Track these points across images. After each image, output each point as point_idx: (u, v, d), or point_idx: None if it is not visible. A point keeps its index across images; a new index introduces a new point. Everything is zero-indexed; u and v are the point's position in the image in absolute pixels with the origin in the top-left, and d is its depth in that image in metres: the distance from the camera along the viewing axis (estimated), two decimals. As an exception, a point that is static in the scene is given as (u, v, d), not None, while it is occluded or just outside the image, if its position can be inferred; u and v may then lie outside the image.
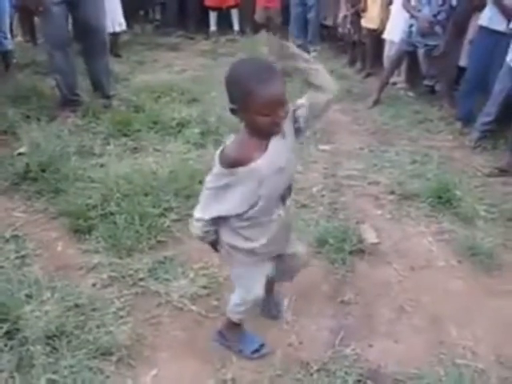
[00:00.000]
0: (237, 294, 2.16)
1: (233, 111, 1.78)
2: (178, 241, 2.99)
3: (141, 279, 2.66)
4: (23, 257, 2.78)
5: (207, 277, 2.69)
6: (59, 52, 4.40)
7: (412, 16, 5.04)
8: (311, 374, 2.17)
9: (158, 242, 2.95)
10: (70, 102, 4.62)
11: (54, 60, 4.46)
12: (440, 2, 4.88)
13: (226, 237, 1.99)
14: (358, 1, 6.31)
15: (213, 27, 8.12)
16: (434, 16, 4.92)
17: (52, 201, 3.29)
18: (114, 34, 6.35)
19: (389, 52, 5.79)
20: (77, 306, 2.42)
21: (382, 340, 2.39)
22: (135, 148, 4.07)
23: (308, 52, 7.15)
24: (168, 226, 3.07)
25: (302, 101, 1.86)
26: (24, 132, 3.96)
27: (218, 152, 1.84)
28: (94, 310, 2.42)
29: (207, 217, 1.92)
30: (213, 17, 8.06)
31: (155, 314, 2.47)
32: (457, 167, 4.06)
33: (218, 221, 1.95)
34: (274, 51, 1.97)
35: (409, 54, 5.46)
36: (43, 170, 3.48)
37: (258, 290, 2.10)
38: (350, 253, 2.91)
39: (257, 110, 1.69)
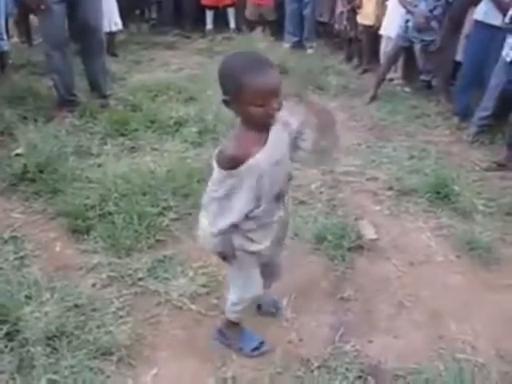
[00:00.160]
0: (233, 293, 2.16)
1: (226, 103, 1.77)
2: (176, 240, 2.99)
3: (140, 279, 2.66)
4: (22, 258, 2.78)
5: (206, 275, 2.69)
6: (57, 52, 4.39)
7: (408, 11, 5.04)
8: (312, 371, 2.18)
9: (157, 241, 2.95)
10: (67, 102, 4.61)
11: (51, 60, 4.44)
12: None
13: (236, 241, 1.97)
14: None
15: (209, 26, 8.10)
16: (431, 11, 4.92)
17: (50, 201, 3.29)
18: (111, 34, 6.33)
19: (385, 48, 5.78)
20: (76, 306, 2.42)
21: (381, 336, 2.40)
22: (133, 147, 4.06)
23: (304, 48, 7.18)
24: (167, 225, 3.07)
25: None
26: (21, 133, 3.95)
27: (215, 153, 1.83)
28: (93, 310, 2.42)
29: (223, 227, 1.87)
30: (209, 15, 8.04)
31: (155, 314, 2.47)
32: (455, 162, 4.06)
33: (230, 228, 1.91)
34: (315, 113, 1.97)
35: (405, 50, 5.45)
36: (41, 171, 3.48)
37: (256, 289, 2.10)
38: (349, 249, 2.92)
39: (249, 100, 1.69)
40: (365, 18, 6.10)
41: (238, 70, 1.70)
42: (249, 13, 7.69)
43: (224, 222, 1.87)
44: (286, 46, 7.31)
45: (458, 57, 5.12)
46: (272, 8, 7.65)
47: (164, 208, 3.18)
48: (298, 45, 7.33)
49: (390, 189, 3.62)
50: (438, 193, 3.48)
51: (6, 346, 2.17)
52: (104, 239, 2.90)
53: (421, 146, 4.31)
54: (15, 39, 7.13)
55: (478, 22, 4.48)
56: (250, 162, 1.77)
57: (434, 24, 4.97)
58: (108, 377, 2.12)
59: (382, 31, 5.86)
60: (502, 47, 4.05)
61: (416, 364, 2.22)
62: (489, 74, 4.28)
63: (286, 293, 2.59)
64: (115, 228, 2.94)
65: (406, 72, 5.97)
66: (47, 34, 4.40)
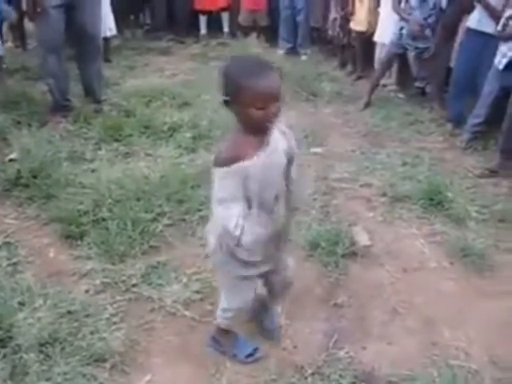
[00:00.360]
0: (223, 299, 2.16)
1: (226, 103, 1.78)
2: (170, 246, 2.99)
3: (134, 285, 2.65)
4: (15, 264, 2.77)
5: (200, 282, 2.68)
6: (53, 56, 4.37)
7: (402, 18, 5.06)
8: (306, 378, 2.18)
9: (151, 247, 2.94)
10: (61, 107, 4.60)
11: (47, 64, 4.42)
12: (431, 6, 4.90)
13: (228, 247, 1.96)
14: (347, 4, 6.33)
15: (203, 31, 8.11)
16: (425, 19, 4.94)
17: (43, 207, 3.28)
18: (105, 39, 6.31)
19: (380, 54, 5.80)
20: (70, 312, 2.41)
21: (375, 342, 2.40)
22: (127, 153, 4.06)
23: (298, 55, 7.20)
24: (161, 231, 3.06)
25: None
26: (15, 138, 3.95)
27: (213, 157, 1.83)
28: (87, 316, 2.41)
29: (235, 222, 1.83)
30: (203, 20, 8.05)
31: (148, 320, 2.46)
32: (448, 168, 4.08)
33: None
34: None
35: (399, 56, 5.47)
36: (34, 176, 3.47)
37: (243, 301, 2.09)
38: (343, 255, 2.92)
39: (249, 101, 1.70)
40: (357, 24, 6.12)
41: (240, 72, 1.72)
42: (242, 18, 7.70)
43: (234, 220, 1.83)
44: (280, 52, 7.32)
45: (453, 63, 5.13)
46: (265, 13, 7.67)
47: (158, 214, 3.17)
48: (292, 51, 7.34)
49: (384, 195, 3.62)
50: (432, 199, 3.49)
51: (-2, 353, 2.16)
52: (98, 245, 2.90)
53: (414, 153, 4.32)
54: (9, 44, 7.12)
55: (470, 30, 4.50)
56: (246, 163, 1.77)
57: (427, 32, 4.99)
58: (101, 383, 2.11)
59: (376, 38, 5.88)
60: (494, 55, 4.08)
61: (410, 370, 2.22)
62: (482, 81, 4.30)
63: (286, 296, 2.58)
64: (109, 234, 2.94)
65: (400, 78, 5.99)
66: (44, 38, 4.37)
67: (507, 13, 4.01)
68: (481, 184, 3.85)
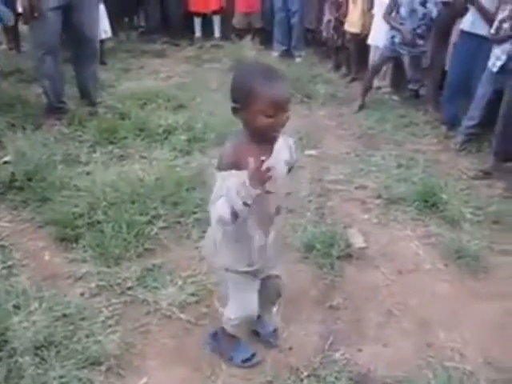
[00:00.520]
0: (229, 308, 2.15)
1: (234, 110, 1.78)
2: (165, 248, 2.99)
3: (129, 288, 2.65)
4: (10, 267, 2.76)
5: (196, 284, 2.68)
6: (50, 58, 4.36)
7: (393, 28, 5.06)
8: (301, 380, 2.18)
9: (146, 249, 2.94)
10: (55, 109, 4.59)
11: (43, 66, 4.40)
12: (420, 16, 4.90)
13: (224, 259, 1.98)
14: (341, 6, 6.34)
15: (197, 33, 8.11)
16: (414, 29, 4.94)
17: (38, 210, 3.27)
18: (100, 41, 6.30)
19: (374, 57, 5.81)
20: (65, 315, 2.40)
21: (371, 344, 2.41)
22: (122, 156, 4.05)
23: (293, 57, 7.21)
24: (156, 234, 3.06)
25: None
26: (9, 140, 3.94)
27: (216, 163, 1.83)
28: (82, 319, 2.41)
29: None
30: (197, 23, 8.05)
31: (144, 323, 2.46)
32: (442, 170, 4.09)
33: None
34: None
35: (394, 59, 5.48)
36: (29, 179, 3.46)
37: (250, 308, 2.10)
38: (338, 257, 2.92)
39: (261, 109, 1.69)
40: (351, 26, 6.13)
41: (253, 79, 1.71)
42: (237, 21, 7.71)
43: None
44: (275, 54, 7.33)
45: (447, 66, 5.15)
46: (259, 15, 7.68)
47: (153, 216, 3.17)
48: (287, 53, 7.36)
49: (379, 197, 3.63)
50: (426, 201, 3.50)
51: (-7, 356, 2.16)
52: (93, 248, 2.89)
53: (409, 155, 4.33)
54: (3, 46, 7.12)
55: (464, 32, 4.52)
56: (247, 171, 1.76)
57: (418, 41, 5.00)
58: (97, 387, 2.11)
59: (369, 41, 5.89)
60: (488, 57, 4.10)
61: (405, 372, 2.23)
62: (476, 83, 4.32)
63: (278, 302, 2.58)
64: (104, 237, 2.93)
65: (394, 81, 6.01)
66: (41, 40, 4.34)
67: (500, 15, 4.03)
68: (475, 186, 3.86)
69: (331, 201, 3.59)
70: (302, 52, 7.38)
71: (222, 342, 2.28)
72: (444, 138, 4.74)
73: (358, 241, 3.12)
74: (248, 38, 7.36)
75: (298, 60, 7.23)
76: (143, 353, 2.31)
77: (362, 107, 5.42)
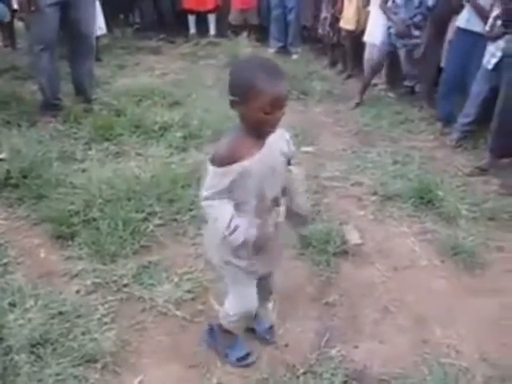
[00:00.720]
0: (228, 304, 2.15)
1: (232, 104, 1.77)
2: (161, 245, 2.98)
3: (125, 285, 2.65)
4: (5, 264, 2.76)
5: (191, 281, 2.68)
6: (47, 54, 4.34)
7: (388, 18, 5.07)
8: (297, 377, 2.18)
9: (142, 247, 2.94)
10: (51, 106, 4.58)
11: (40, 62, 4.39)
12: (416, 4, 4.91)
13: (225, 255, 1.97)
14: (337, 2, 6.34)
15: (192, 30, 8.09)
16: (411, 18, 4.95)
17: (34, 207, 3.26)
18: (95, 38, 6.30)
19: (369, 55, 5.76)
20: (61, 313, 2.40)
21: (367, 341, 2.41)
22: (117, 153, 4.04)
23: (289, 54, 7.20)
24: (152, 231, 3.06)
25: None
26: (4, 138, 3.93)
27: (210, 156, 1.82)
28: (78, 316, 2.40)
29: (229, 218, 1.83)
30: (191, 20, 8.03)
31: (140, 320, 2.46)
32: (438, 167, 4.10)
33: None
34: None
35: (389, 56, 5.48)
36: (24, 176, 3.45)
37: (250, 305, 2.10)
38: (334, 254, 2.93)
39: (260, 105, 1.69)
40: (346, 22, 6.11)
41: (256, 75, 1.70)
42: (233, 18, 7.69)
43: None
44: (271, 51, 7.32)
45: (443, 63, 5.15)
46: (256, 12, 7.67)
47: (149, 213, 3.17)
48: (283, 50, 7.35)
49: (375, 194, 3.64)
50: (422, 198, 3.50)
51: (-11, 354, 2.15)
52: (88, 245, 2.89)
53: (405, 152, 4.33)
54: (-2, 43, 7.09)
55: (460, 29, 4.51)
56: (244, 163, 1.77)
57: (414, 31, 5.00)
58: (92, 384, 2.11)
59: (365, 38, 5.86)
60: (483, 54, 4.09)
61: (401, 369, 2.23)
62: (471, 80, 4.32)
63: (271, 298, 2.58)
64: (100, 234, 2.93)
65: (390, 77, 6.00)
66: (38, 36, 4.32)
67: (494, 12, 4.03)
68: (471, 182, 3.87)
69: (327, 197, 3.59)
70: (299, 49, 7.37)
71: (219, 338, 2.27)
72: (440, 134, 4.74)
73: (353, 237, 3.12)
74: (244, 34, 7.34)
75: (294, 57, 7.22)
76: (139, 350, 2.31)
77: (359, 105, 5.42)
